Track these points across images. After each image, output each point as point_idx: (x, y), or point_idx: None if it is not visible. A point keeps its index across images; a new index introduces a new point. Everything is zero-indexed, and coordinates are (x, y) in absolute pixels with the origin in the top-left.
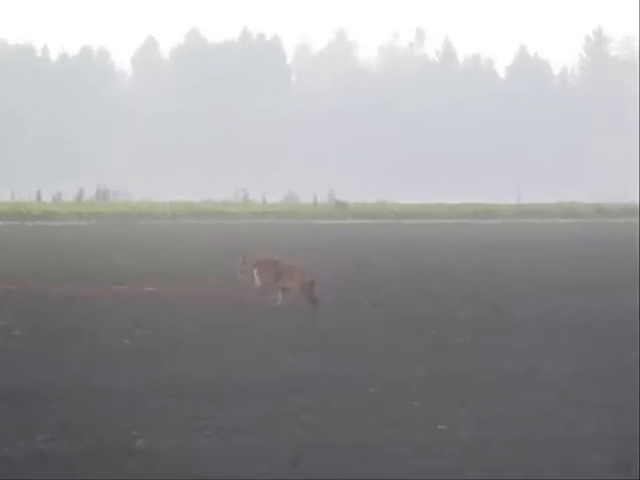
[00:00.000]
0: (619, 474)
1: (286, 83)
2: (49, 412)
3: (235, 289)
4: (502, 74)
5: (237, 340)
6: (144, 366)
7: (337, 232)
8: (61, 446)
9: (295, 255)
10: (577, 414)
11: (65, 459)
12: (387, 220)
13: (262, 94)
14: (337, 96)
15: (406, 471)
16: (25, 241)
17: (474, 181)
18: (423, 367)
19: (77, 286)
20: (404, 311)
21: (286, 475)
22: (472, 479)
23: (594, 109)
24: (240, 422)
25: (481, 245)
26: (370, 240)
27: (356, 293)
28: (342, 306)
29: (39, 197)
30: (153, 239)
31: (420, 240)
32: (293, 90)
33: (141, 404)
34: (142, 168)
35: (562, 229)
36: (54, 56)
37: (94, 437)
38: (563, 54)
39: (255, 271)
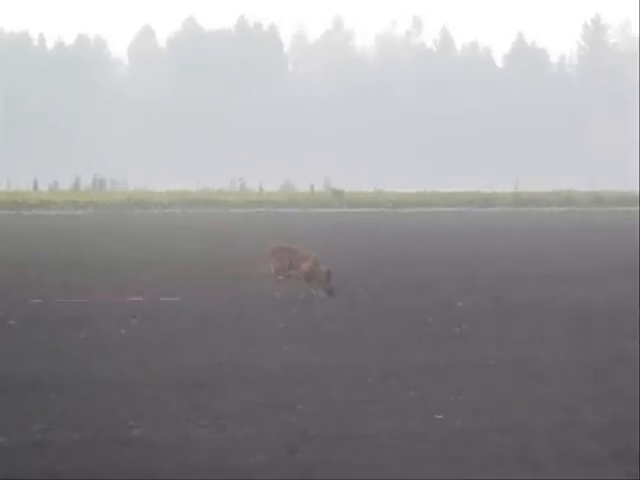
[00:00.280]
0: (617, 463)
1: (283, 72)
2: (47, 402)
3: (232, 278)
4: (499, 62)
5: (233, 329)
6: (140, 355)
7: (334, 220)
8: (58, 436)
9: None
10: (574, 402)
11: (61, 448)
12: (383, 209)
13: (259, 83)
14: (334, 85)
15: (403, 460)
16: (21, 230)
17: (471, 169)
18: (420, 356)
19: (73, 275)
20: (401, 300)
21: (282, 464)
22: (469, 467)
23: (592, 97)
24: (236, 412)
25: (478, 233)
26: (367, 229)
27: (353, 282)
28: (339, 295)
29: (36, 186)
30: (149, 228)
31: (417, 228)
32: (290, 79)
33: (138, 394)
34: (139, 157)
35: (559, 217)
36: (50, 44)
37: (90, 426)
38: (561, 42)
39: (272, 259)
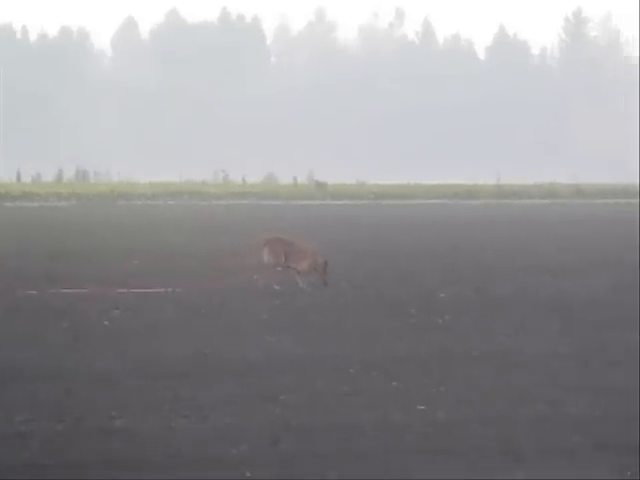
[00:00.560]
0: (599, 454)
1: (266, 64)
2: (30, 393)
3: (216, 269)
4: (481, 54)
5: (217, 320)
6: (122, 346)
7: (317, 212)
8: (40, 426)
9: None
10: (557, 394)
11: (44, 439)
12: (366, 201)
13: (242, 75)
14: (316, 76)
15: (385, 451)
16: (4, 222)
17: (454, 162)
18: (403, 347)
19: (57, 266)
20: (384, 291)
21: (265, 455)
22: (451, 458)
23: (573, 89)
24: (218, 402)
25: (461, 225)
26: (349, 220)
27: (335, 274)
28: (322, 287)
29: (19, 178)
30: (132, 219)
31: (399, 220)
32: (273, 71)
33: (120, 384)
34: (122, 149)
35: (542, 209)
36: (34, 36)
37: (73, 417)
38: (542, 35)
39: (265, 250)
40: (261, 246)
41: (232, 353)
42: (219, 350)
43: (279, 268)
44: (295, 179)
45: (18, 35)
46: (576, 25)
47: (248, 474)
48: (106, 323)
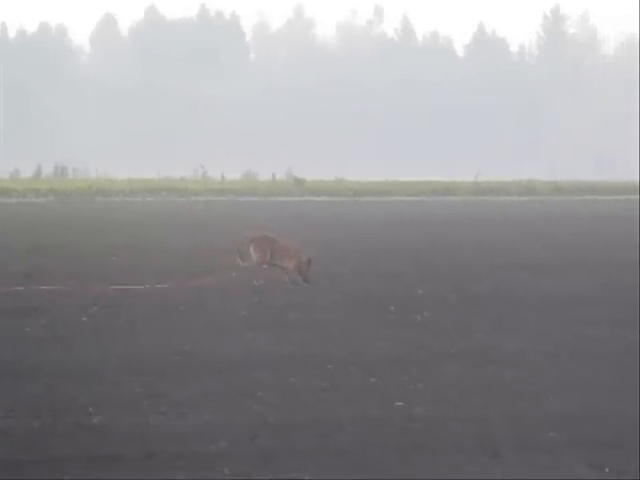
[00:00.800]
0: (576, 451)
1: (245, 61)
2: (7, 389)
3: (196, 266)
4: (460, 52)
5: (194, 317)
6: (101, 342)
7: (295, 209)
8: (18, 423)
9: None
10: (535, 391)
11: (21, 435)
12: (344, 197)
13: (221, 72)
14: (295, 73)
15: (363, 448)
16: None
17: (432, 159)
18: (381, 344)
19: (34, 262)
20: (362, 288)
21: (243, 451)
22: (429, 454)
23: (552, 86)
24: (197, 399)
25: (439, 222)
26: (328, 217)
27: (314, 271)
28: (301, 284)
29: None
30: (110, 216)
31: (378, 217)
32: (252, 67)
33: (98, 381)
34: (101, 145)
35: (520, 206)
36: (12, 33)
37: (50, 413)
38: (521, 32)
39: (251, 248)
40: (247, 244)
41: (211, 350)
42: (198, 347)
43: (265, 266)
44: (274, 175)
45: None
46: (554, 23)
47: (226, 470)
48: (84, 319)
